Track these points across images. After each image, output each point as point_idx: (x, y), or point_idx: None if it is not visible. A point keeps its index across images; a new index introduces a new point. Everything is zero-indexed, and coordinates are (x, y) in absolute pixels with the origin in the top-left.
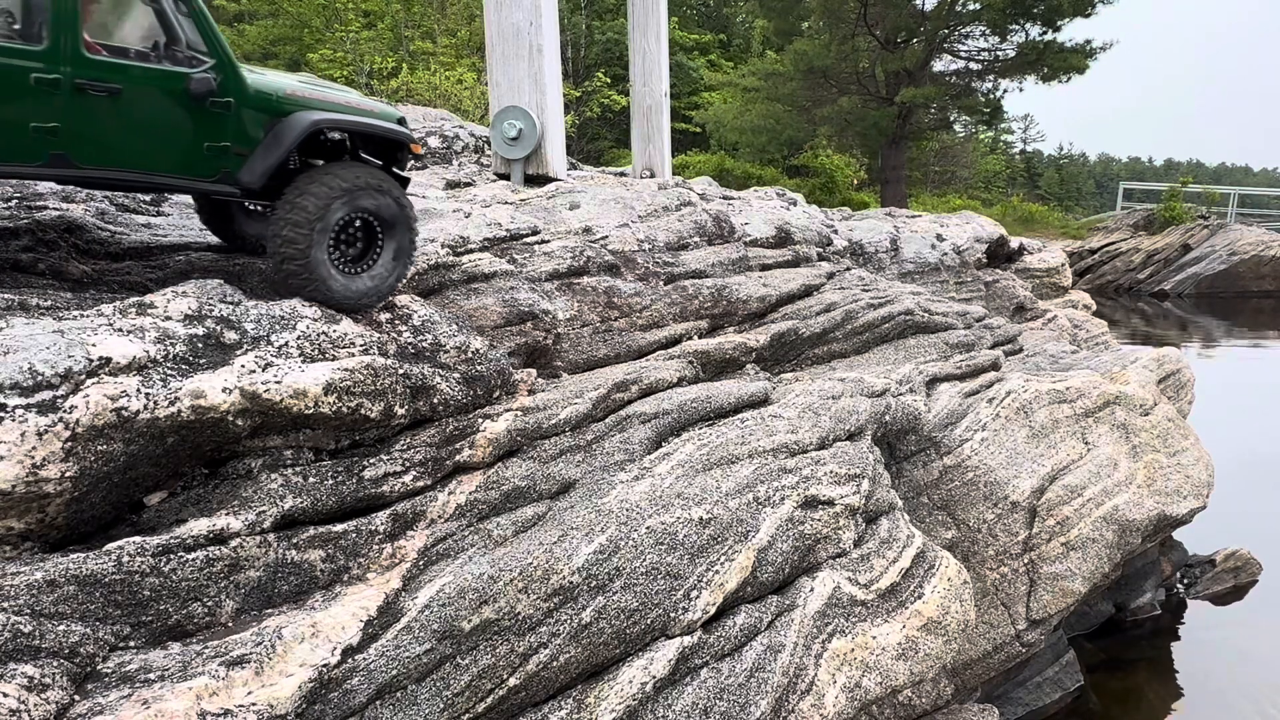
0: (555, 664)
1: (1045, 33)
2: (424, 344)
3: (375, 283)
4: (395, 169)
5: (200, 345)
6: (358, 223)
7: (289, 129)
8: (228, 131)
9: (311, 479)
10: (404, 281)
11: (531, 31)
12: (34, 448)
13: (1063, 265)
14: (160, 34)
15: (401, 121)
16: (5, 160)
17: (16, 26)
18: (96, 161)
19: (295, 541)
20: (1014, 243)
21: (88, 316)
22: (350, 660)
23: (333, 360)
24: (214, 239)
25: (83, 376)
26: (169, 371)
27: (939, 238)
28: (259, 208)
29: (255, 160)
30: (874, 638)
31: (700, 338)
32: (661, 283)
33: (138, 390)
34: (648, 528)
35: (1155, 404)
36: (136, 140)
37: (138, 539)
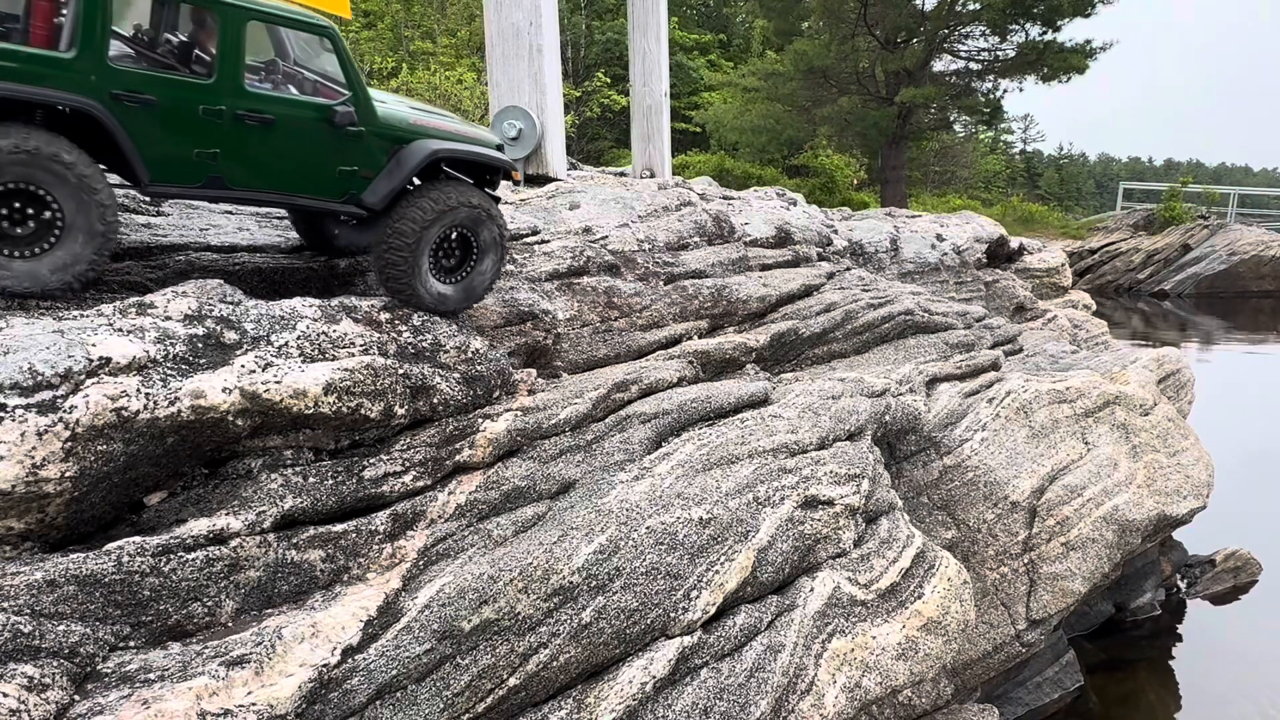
0: (555, 664)
1: (1045, 33)
2: (424, 344)
3: (467, 291)
4: (487, 188)
5: (200, 345)
6: (454, 237)
7: (411, 156)
8: (357, 157)
9: (311, 479)
10: (498, 278)
11: (531, 31)
12: (34, 448)
13: (1063, 265)
14: (319, 68)
15: (500, 147)
16: (168, 181)
17: (191, 64)
18: (247, 184)
19: (295, 541)
20: (1014, 243)
21: (88, 316)
22: (350, 660)
23: (333, 360)
24: (212, 240)
25: (83, 376)
26: (169, 371)
27: (939, 238)
28: (349, 217)
29: (379, 183)
30: (874, 638)
31: (700, 338)
32: (661, 283)
33: (138, 390)
34: (648, 528)
35: (1155, 404)
36: (282, 165)
37: (138, 539)
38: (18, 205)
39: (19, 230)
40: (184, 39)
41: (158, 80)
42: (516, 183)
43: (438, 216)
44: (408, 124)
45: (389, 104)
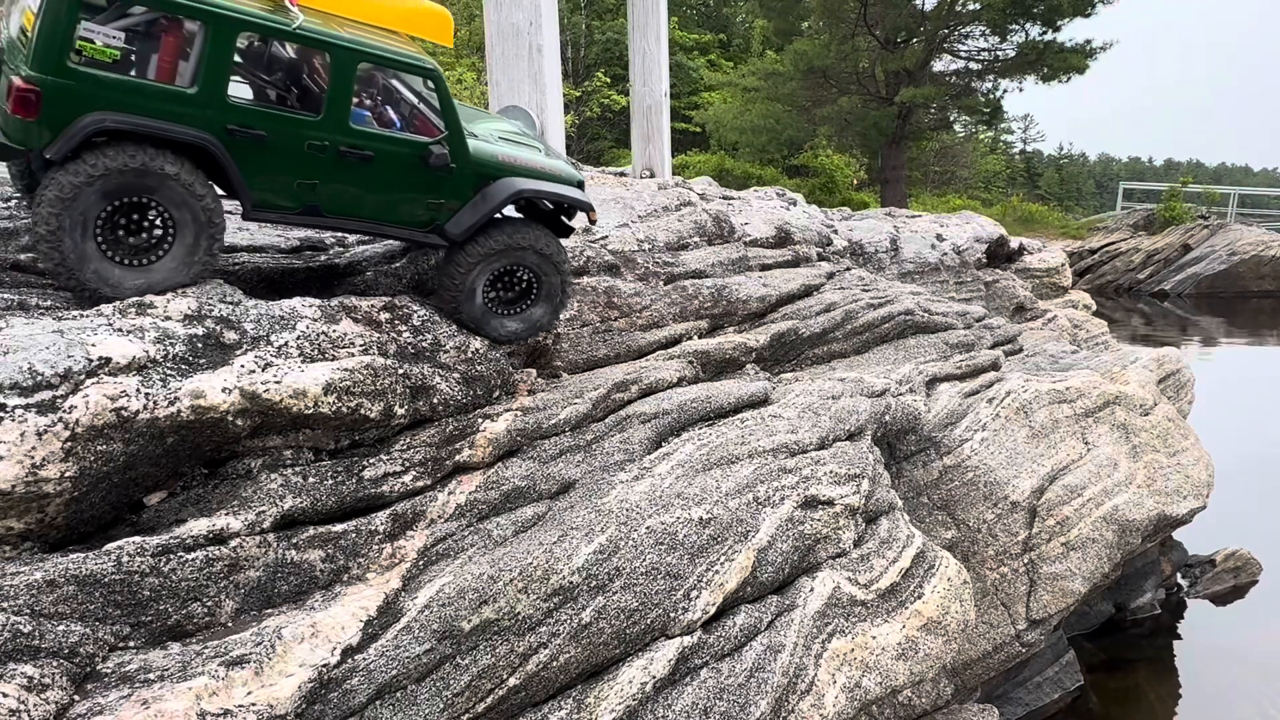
0: (555, 664)
1: (1045, 33)
2: (424, 344)
3: (525, 325)
4: (564, 216)
5: (200, 345)
6: (519, 272)
7: (496, 193)
8: (446, 191)
9: (311, 479)
10: (556, 323)
11: (531, 31)
12: (34, 448)
13: (1063, 265)
14: (418, 110)
15: (580, 185)
16: (269, 208)
17: (301, 100)
18: (340, 213)
19: (295, 541)
20: (1014, 243)
21: (87, 316)
22: (350, 660)
23: (332, 360)
24: None
25: (82, 376)
26: (169, 371)
27: (939, 238)
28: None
29: (463, 216)
30: (874, 638)
31: (700, 338)
32: (661, 283)
33: (137, 390)
34: (647, 528)
35: (1155, 404)
36: (376, 197)
37: (137, 539)
38: (136, 217)
39: (138, 239)
40: (293, 74)
41: (269, 116)
42: (593, 223)
43: (501, 252)
44: (496, 161)
45: (480, 136)
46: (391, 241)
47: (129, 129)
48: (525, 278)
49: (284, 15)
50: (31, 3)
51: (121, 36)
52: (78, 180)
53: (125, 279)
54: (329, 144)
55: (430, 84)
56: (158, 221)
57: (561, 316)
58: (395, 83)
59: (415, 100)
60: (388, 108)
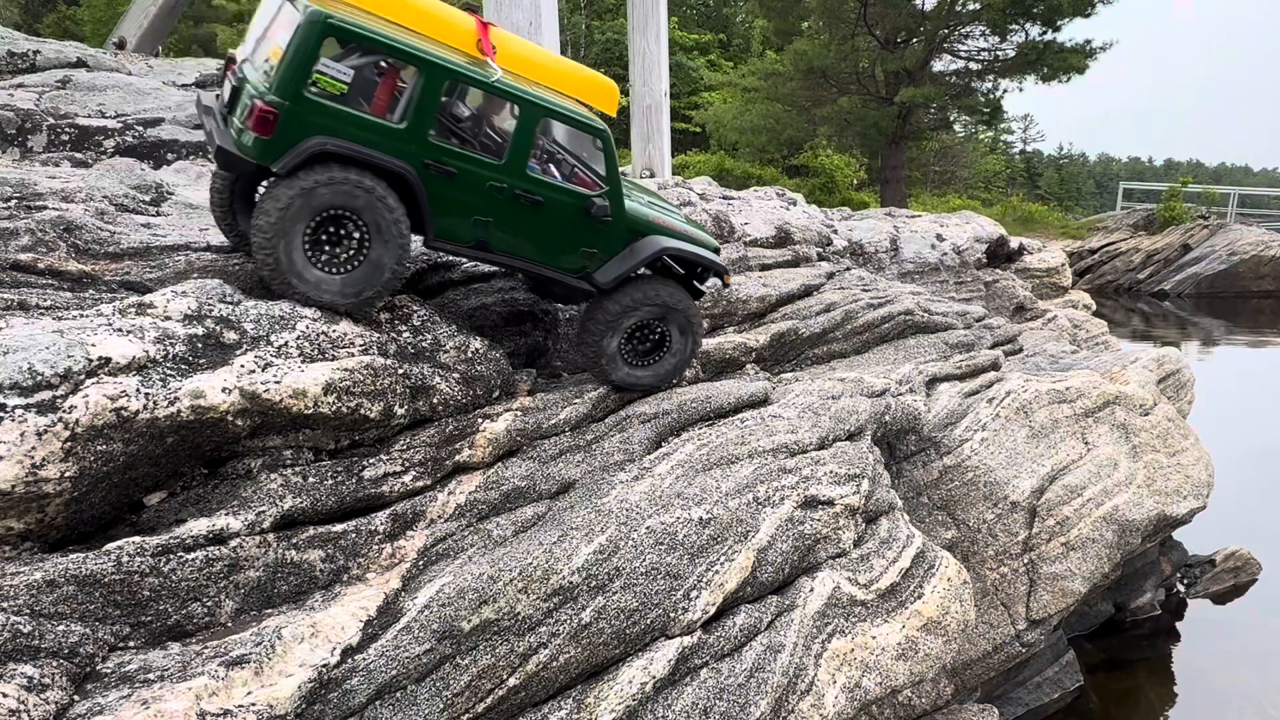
0: (555, 664)
1: (1045, 33)
2: (424, 344)
3: (655, 376)
4: (696, 281)
5: (200, 345)
6: (655, 326)
7: (644, 248)
8: (600, 241)
9: (311, 479)
10: (683, 376)
11: (531, 31)
12: (33, 448)
13: (1062, 265)
14: (587, 165)
15: (716, 250)
16: (447, 239)
17: (485, 146)
18: (505, 250)
19: (295, 542)
20: (1014, 243)
21: (87, 316)
22: (350, 660)
23: (332, 360)
24: (212, 240)
25: (82, 376)
26: (168, 371)
27: (939, 238)
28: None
29: (611, 266)
30: (874, 638)
31: None
32: None
33: (137, 390)
34: (647, 528)
35: (1155, 404)
36: (539, 240)
37: (137, 539)
38: (334, 230)
39: (335, 251)
40: (478, 121)
41: (460, 156)
42: (727, 286)
43: (644, 303)
44: (646, 219)
45: (631, 197)
46: None
47: (346, 153)
48: (660, 331)
49: (485, 69)
50: (280, 40)
51: (351, 74)
52: (293, 192)
53: (328, 284)
54: (507, 186)
55: (599, 143)
56: (356, 235)
57: (686, 374)
58: (558, 141)
59: (572, 157)
60: (550, 165)
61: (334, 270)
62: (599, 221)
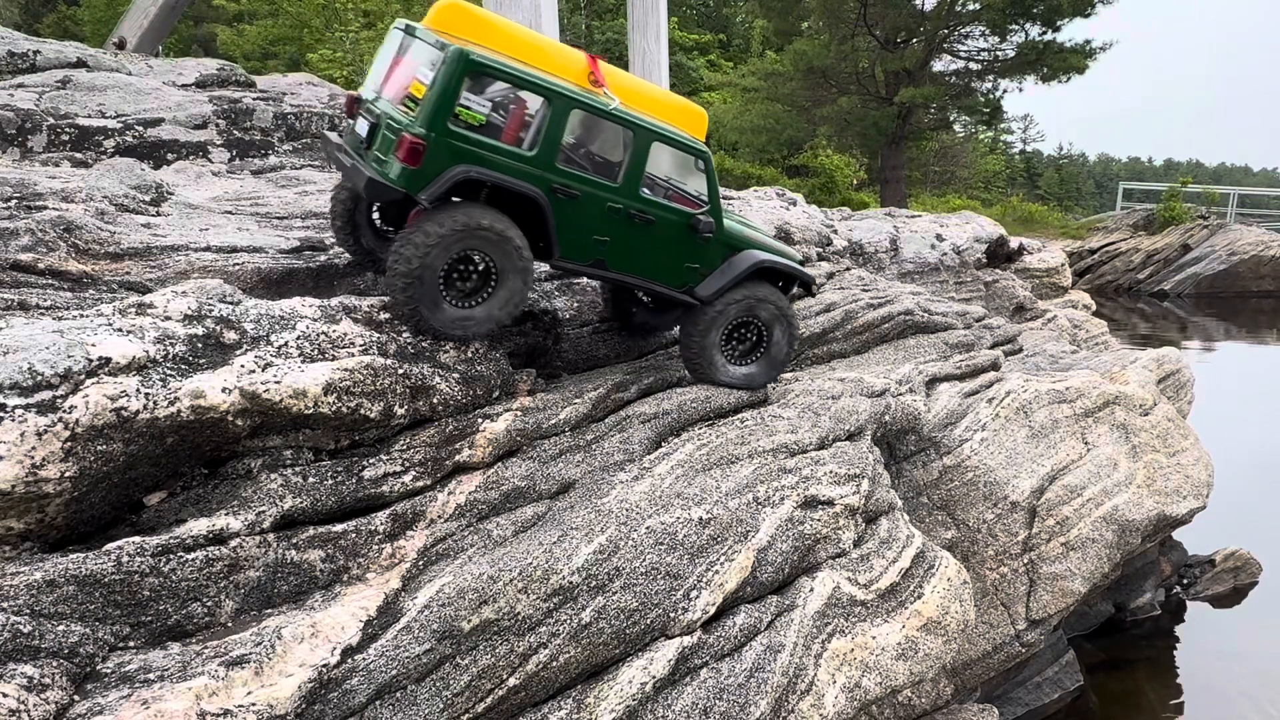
0: (555, 664)
1: (1045, 33)
2: (424, 344)
3: (753, 375)
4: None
5: (200, 345)
6: (752, 325)
7: (741, 262)
8: (702, 257)
9: (311, 479)
10: (780, 375)
11: None
12: (33, 448)
13: (1062, 265)
14: (693, 186)
15: (801, 262)
16: (569, 259)
17: (604, 170)
18: (620, 268)
19: (295, 541)
20: (1014, 243)
21: (87, 316)
22: (350, 660)
23: (332, 360)
24: (212, 240)
25: (82, 376)
26: (169, 371)
27: (939, 238)
28: (649, 300)
29: (712, 280)
30: (874, 638)
31: None
32: None
33: (137, 390)
34: (647, 528)
35: (1155, 404)
36: (650, 256)
37: (137, 539)
38: (465, 268)
39: (469, 285)
40: (592, 146)
41: (583, 180)
42: (813, 295)
43: (742, 302)
44: (743, 235)
45: (731, 219)
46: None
47: (486, 180)
48: (759, 330)
49: (605, 99)
50: (423, 76)
51: (489, 106)
52: (431, 236)
53: (458, 317)
54: (623, 208)
55: (700, 164)
56: (484, 270)
57: (782, 376)
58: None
59: (670, 185)
60: (653, 189)
61: (466, 304)
62: (702, 238)
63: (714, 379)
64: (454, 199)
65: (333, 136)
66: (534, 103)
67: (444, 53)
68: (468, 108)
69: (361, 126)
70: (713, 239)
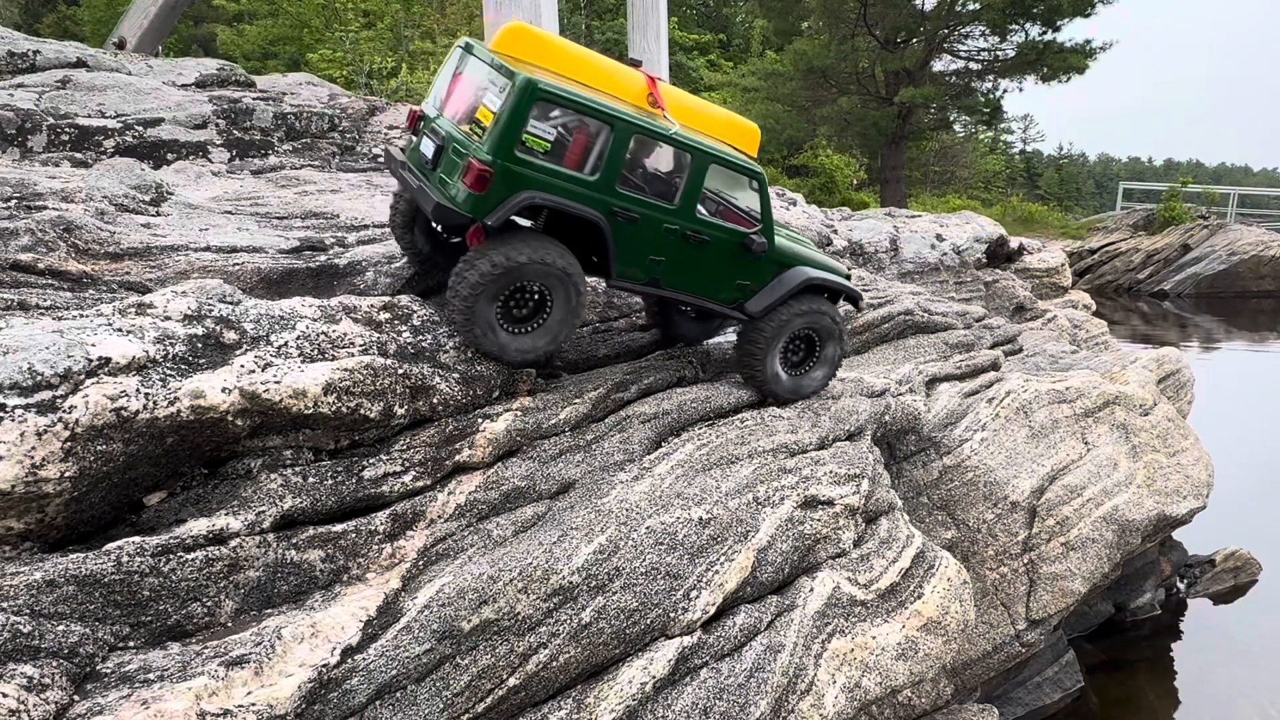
0: (555, 664)
1: (1045, 33)
2: (424, 344)
3: (803, 382)
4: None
5: (200, 345)
6: (806, 335)
7: (791, 278)
8: (753, 274)
9: (311, 479)
10: (830, 383)
11: None
12: (33, 448)
13: (1062, 265)
14: (748, 207)
15: (847, 276)
16: (627, 278)
17: (660, 192)
18: (674, 286)
19: (295, 542)
20: (1014, 243)
21: (87, 316)
22: (350, 660)
23: (332, 360)
24: (212, 240)
25: (82, 376)
26: (168, 371)
27: (939, 238)
28: (691, 311)
29: (762, 296)
30: (874, 638)
31: None
32: None
33: (137, 390)
34: (647, 528)
35: (1155, 404)
36: (704, 275)
37: (137, 539)
38: (521, 296)
39: (524, 313)
40: (647, 162)
41: (642, 202)
42: (859, 310)
43: (800, 315)
44: (793, 252)
45: (780, 235)
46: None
47: (550, 205)
48: (810, 341)
49: (665, 123)
50: (489, 103)
51: (554, 134)
52: (495, 267)
53: (510, 343)
54: (679, 228)
55: (754, 184)
56: (538, 299)
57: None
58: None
59: (719, 202)
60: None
61: (521, 330)
62: (754, 256)
63: (771, 390)
64: (516, 218)
65: (395, 152)
66: (597, 126)
67: (513, 81)
68: (534, 134)
69: (427, 147)
70: (765, 256)
